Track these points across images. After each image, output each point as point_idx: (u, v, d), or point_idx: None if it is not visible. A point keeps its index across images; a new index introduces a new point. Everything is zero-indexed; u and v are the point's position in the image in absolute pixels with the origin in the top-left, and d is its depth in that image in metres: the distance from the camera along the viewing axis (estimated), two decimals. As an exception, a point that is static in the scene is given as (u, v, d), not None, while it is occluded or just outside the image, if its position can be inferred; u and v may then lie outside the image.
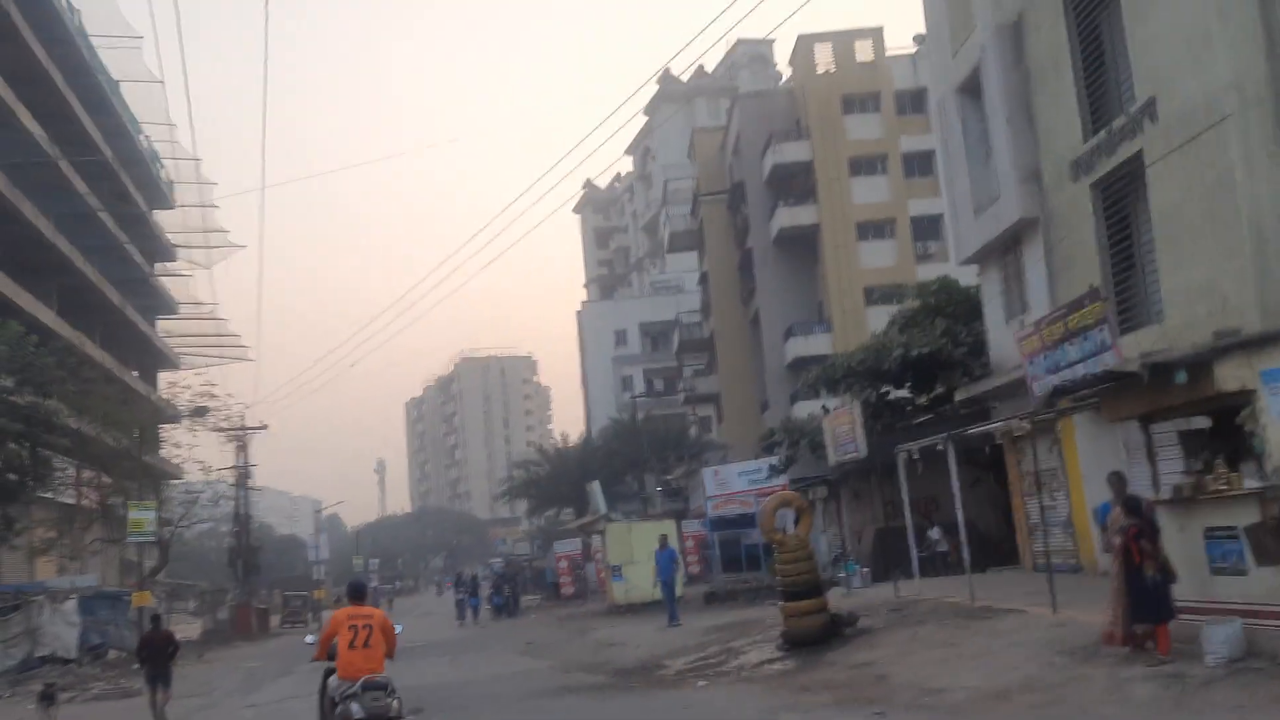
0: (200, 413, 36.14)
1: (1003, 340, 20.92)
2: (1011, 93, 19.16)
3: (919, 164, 45.40)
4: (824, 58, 45.81)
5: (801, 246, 45.62)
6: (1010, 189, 19.31)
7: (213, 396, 36.80)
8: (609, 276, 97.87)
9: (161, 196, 58.08)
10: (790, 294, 45.99)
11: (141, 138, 53.71)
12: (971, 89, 20.84)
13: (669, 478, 44.37)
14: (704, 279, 53.12)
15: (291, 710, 15.29)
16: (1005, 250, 20.58)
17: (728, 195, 50.10)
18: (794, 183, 45.92)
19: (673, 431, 46.13)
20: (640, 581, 27.76)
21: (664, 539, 23.23)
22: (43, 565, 35.45)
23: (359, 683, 8.70)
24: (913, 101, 45.98)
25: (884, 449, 19.83)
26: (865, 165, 45.23)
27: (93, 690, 21.23)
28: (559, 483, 48.23)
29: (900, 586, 17.90)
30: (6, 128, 36.59)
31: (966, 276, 25.25)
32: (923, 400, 26.01)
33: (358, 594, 9.91)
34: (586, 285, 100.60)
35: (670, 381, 63.72)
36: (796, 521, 14.63)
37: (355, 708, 8.55)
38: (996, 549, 21.87)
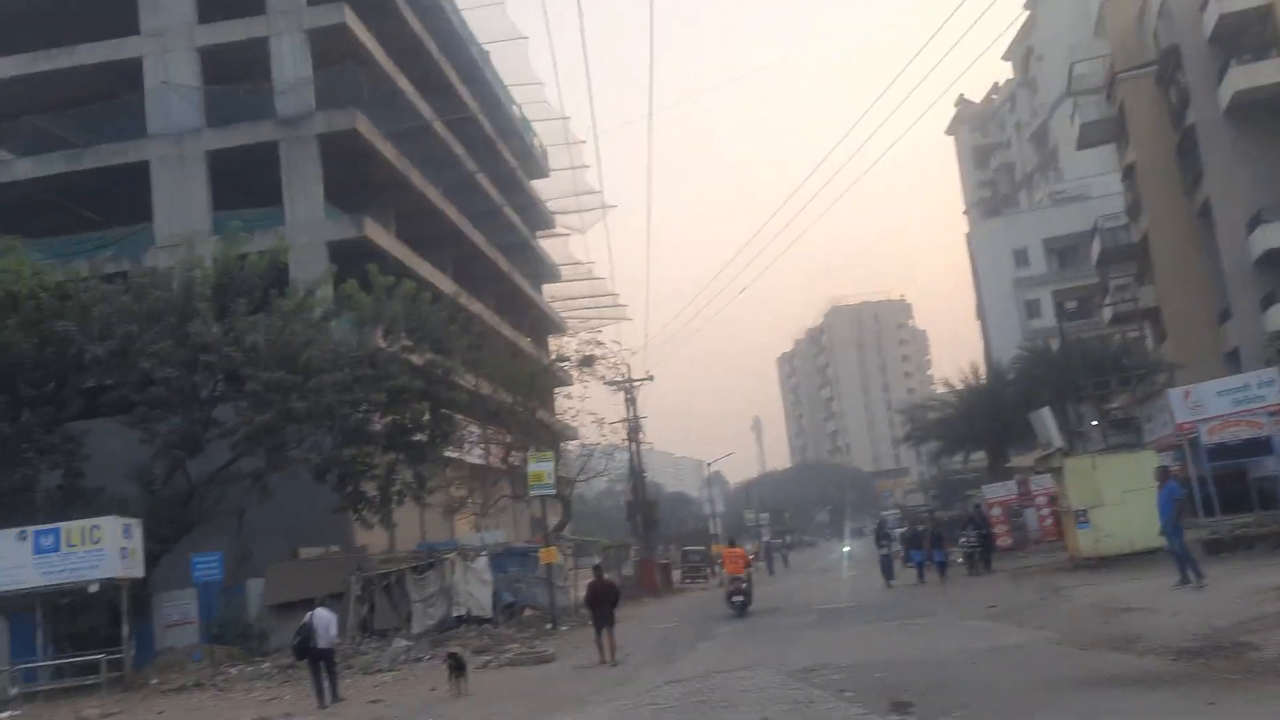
0: (588, 362, 35.11)
1: None
2: None
3: None
4: None
5: (1264, 114, 36.49)
6: None
7: (599, 344, 35.68)
8: (992, 199, 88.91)
9: (536, 165, 59.14)
10: (1252, 174, 37.06)
11: (514, 107, 54.61)
12: None
13: (1111, 407, 37.40)
14: (1129, 173, 44.69)
15: (724, 691, 12.10)
16: None
17: (1155, 67, 41.50)
18: (1247, 36, 36.84)
19: (1107, 354, 38.91)
20: (1113, 528, 22.30)
21: (1163, 471, 17.59)
22: (460, 524, 36.23)
23: (730, 577, 23.24)
24: None
25: None
26: (1350, -4, 35.09)
27: (508, 653, 19.77)
28: (971, 422, 42.56)
29: None
30: (390, 101, 37.51)
31: None
32: None
33: (731, 543, 27.05)
34: (966, 211, 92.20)
35: (1085, 300, 55.34)
36: None
37: (731, 588, 23.03)
38: None
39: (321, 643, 15.61)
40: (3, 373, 24.55)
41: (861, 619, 19.27)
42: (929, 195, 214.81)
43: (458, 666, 14.86)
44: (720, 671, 13.80)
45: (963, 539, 27.22)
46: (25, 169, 34.03)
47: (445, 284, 40.28)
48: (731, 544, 26.57)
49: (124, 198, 33.36)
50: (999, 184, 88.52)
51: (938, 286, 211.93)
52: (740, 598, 22.54)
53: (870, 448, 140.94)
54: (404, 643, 22.15)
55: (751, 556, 32.90)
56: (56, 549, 21.92)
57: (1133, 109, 42.55)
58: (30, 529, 22.24)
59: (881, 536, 28.23)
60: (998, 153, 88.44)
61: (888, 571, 26.88)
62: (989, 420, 40.71)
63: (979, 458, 49.53)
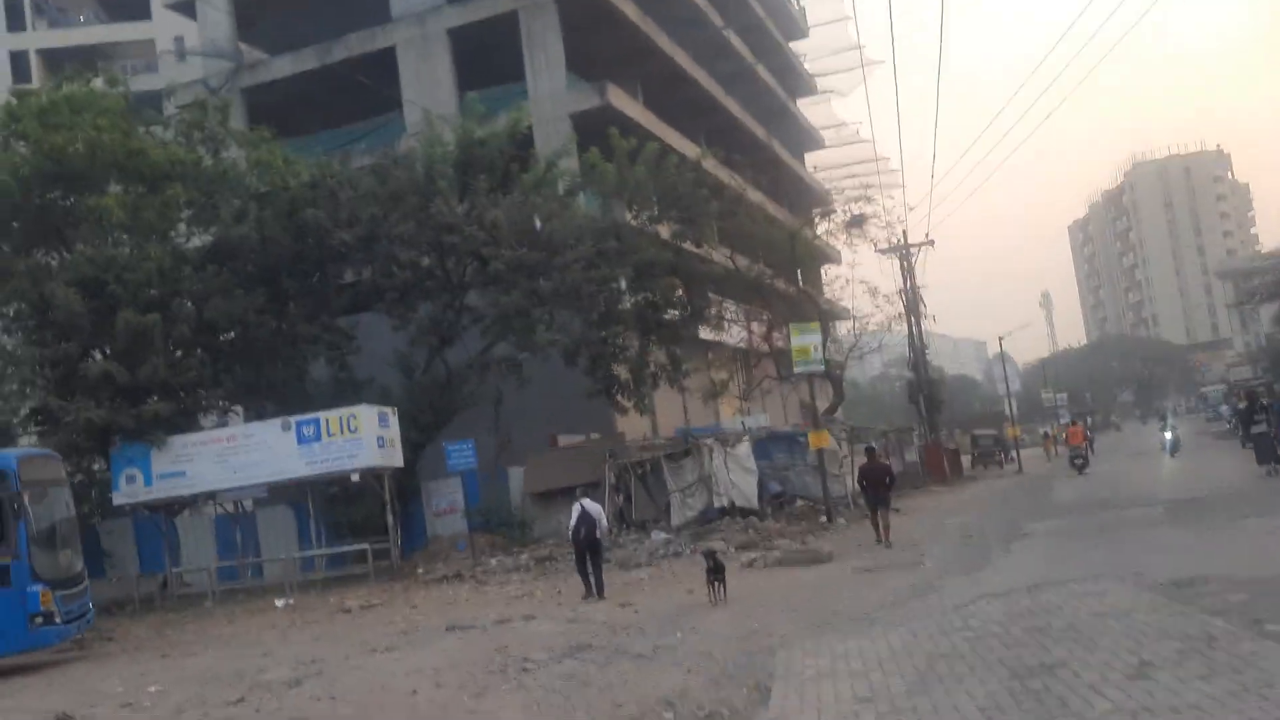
0: (858, 222, 31.26)
1: None
2: None
3: None
4: None
5: None
6: None
7: (868, 200, 31.61)
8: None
9: (793, 23, 54.57)
10: None
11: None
12: None
13: None
14: None
15: (1066, 614, 8.91)
16: None
17: None
18: None
19: None
20: None
21: None
22: (723, 409, 34.07)
23: (1073, 446, 32.14)
24: None
25: None
26: None
27: (776, 551, 17.35)
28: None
29: None
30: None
31: None
32: None
33: (1073, 421, 40.18)
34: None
35: None
36: None
37: (1073, 454, 31.56)
38: None
39: (596, 533, 15.12)
40: (266, 266, 24.58)
41: (1234, 514, 14.92)
42: (1245, 28, 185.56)
43: (716, 570, 12.51)
44: (1052, 583, 10.57)
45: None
46: (281, 67, 34.29)
47: (694, 153, 37.61)
48: (1073, 422, 38.12)
49: (375, 87, 32.92)
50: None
51: (1260, 131, 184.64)
52: (1080, 460, 30.55)
53: (1182, 318, 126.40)
54: (663, 535, 20.31)
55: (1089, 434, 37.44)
56: (318, 439, 21.64)
57: None
58: (292, 419, 22.08)
59: (1255, 409, 22.60)
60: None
61: (1267, 454, 21.37)
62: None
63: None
